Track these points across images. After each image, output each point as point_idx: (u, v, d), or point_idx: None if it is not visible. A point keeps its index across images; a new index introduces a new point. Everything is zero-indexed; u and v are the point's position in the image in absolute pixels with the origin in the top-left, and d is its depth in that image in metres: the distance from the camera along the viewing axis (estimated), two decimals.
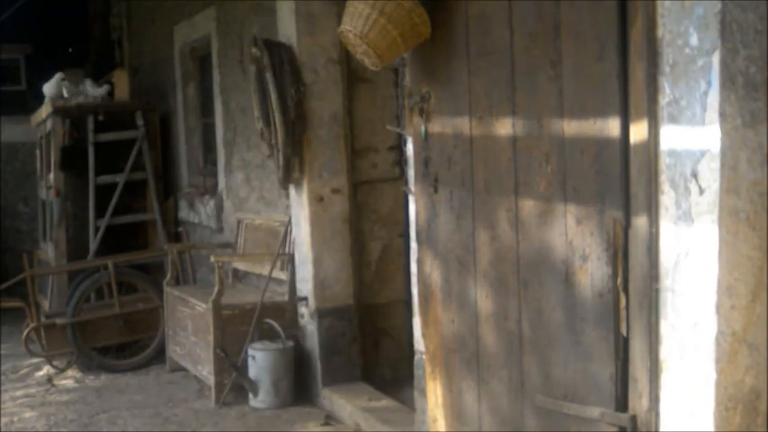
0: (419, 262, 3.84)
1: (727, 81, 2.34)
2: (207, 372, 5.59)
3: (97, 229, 7.40)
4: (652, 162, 2.56)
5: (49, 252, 7.72)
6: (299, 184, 5.38)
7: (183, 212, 7.80)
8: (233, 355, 5.37)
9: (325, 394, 5.29)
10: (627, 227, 2.68)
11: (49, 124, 7.56)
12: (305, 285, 5.42)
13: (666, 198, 2.52)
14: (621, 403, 2.74)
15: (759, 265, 2.42)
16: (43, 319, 6.65)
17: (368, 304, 5.52)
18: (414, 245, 3.93)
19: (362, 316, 5.48)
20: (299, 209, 5.42)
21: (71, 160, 7.37)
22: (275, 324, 5.37)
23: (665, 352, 2.57)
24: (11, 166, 10.33)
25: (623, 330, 2.71)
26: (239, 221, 6.52)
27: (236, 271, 6.50)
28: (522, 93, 3.08)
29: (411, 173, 3.88)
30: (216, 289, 5.48)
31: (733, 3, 2.33)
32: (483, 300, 3.37)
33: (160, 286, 6.52)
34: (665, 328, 2.56)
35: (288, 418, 5.18)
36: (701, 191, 2.40)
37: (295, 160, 5.27)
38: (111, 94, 7.93)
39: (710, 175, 2.37)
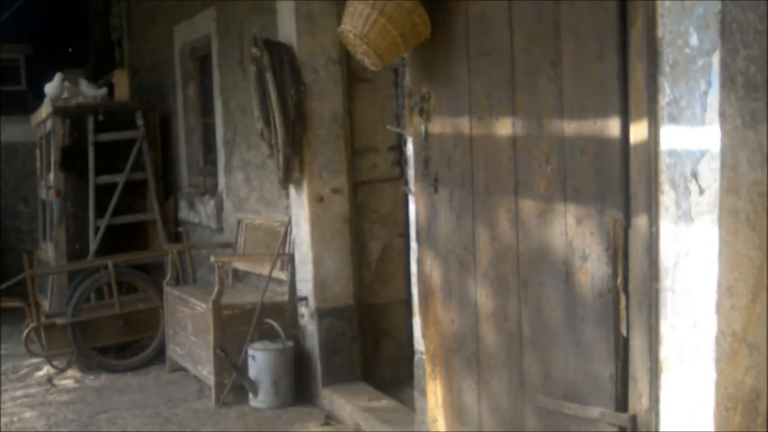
0: (419, 262, 3.84)
1: (727, 81, 2.33)
2: (207, 372, 5.59)
3: (97, 229, 7.40)
4: (652, 162, 2.56)
5: (49, 252, 7.72)
6: (298, 184, 5.38)
7: (183, 212, 7.80)
8: (233, 355, 5.36)
9: (325, 394, 5.29)
10: (627, 227, 2.67)
11: (49, 124, 7.56)
12: (305, 285, 5.42)
13: (666, 198, 2.52)
14: (621, 403, 2.74)
15: (759, 265, 2.42)
16: (43, 319, 6.65)
17: (368, 304, 5.52)
18: (414, 245, 3.93)
19: (362, 316, 5.47)
20: (299, 209, 5.42)
21: (71, 160, 7.37)
22: (275, 324, 5.36)
23: (665, 352, 2.57)
24: (11, 166, 10.32)
25: (623, 330, 2.71)
26: (239, 221, 6.51)
27: (236, 271, 6.49)
28: (522, 93, 3.08)
29: (411, 173, 3.88)
30: (216, 289, 5.48)
31: (733, 3, 2.33)
32: (483, 299, 3.37)
33: (160, 286, 6.52)
34: (665, 328, 2.56)
35: (288, 418, 5.18)
36: (701, 191, 2.40)
37: (295, 160, 5.27)
38: (110, 94, 7.93)
39: (710, 175, 2.37)
